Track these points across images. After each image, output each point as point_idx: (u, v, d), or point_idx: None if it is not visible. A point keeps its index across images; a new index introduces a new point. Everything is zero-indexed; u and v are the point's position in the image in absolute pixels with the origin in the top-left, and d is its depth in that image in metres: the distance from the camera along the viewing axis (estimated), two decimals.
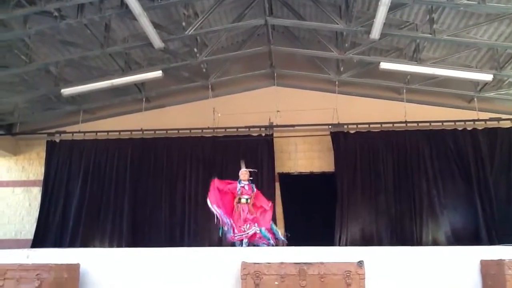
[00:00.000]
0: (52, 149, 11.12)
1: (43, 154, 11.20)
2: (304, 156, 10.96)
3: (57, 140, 11.22)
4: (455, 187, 9.97)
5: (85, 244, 10.04)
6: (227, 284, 5.03)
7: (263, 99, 10.87)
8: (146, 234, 10.31)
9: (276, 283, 4.68)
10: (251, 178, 7.51)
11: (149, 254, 5.53)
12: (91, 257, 5.39)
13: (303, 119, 10.41)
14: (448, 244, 9.23)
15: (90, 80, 10.08)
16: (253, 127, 10.73)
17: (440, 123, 10.40)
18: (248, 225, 7.03)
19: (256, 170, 7.90)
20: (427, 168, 10.06)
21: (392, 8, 7.84)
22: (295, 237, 8.21)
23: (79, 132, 11.05)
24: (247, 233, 6.99)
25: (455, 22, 9.02)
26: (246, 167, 7.58)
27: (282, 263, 4.79)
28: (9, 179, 11.56)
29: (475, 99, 10.46)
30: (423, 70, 9.54)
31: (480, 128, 10.32)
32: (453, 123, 10.39)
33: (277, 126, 10.57)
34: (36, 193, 11.18)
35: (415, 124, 10.41)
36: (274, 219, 8.47)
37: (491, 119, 10.37)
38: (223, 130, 10.71)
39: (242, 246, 6.94)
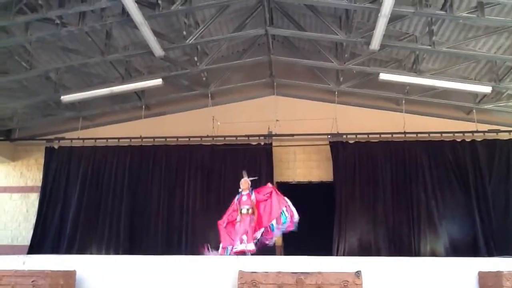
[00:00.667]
0: (51, 155, 11.11)
1: (41, 160, 11.19)
2: (303, 166, 10.96)
3: (56, 147, 11.22)
4: (453, 198, 9.95)
5: (82, 250, 9.99)
6: None
7: (263, 108, 10.91)
8: (144, 241, 10.27)
9: None
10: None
11: (146, 261, 5.51)
12: (87, 264, 5.37)
13: (302, 129, 10.43)
14: (446, 255, 9.21)
15: (90, 87, 10.13)
16: (252, 136, 10.74)
17: (439, 134, 10.42)
18: (247, 238, 6.95)
19: (257, 177, 7.83)
20: (425, 179, 10.06)
21: (392, 19, 7.90)
22: (292, 247, 8.20)
23: (78, 138, 11.04)
24: (249, 249, 6.92)
25: (455, 34, 9.08)
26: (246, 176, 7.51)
27: (279, 272, 4.78)
28: (6, 184, 11.53)
29: (474, 110, 10.50)
30: (422, 82, 9.59)
31: (479, 139, 10.34)
32: (452, 135, 10.41)
33: (276, 135, 10.59)
34: (33, 199, 11.15)
35: (414, 135, 10.43)
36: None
37: (489, 131, 10.40)
38: (222, 138, 10.73)
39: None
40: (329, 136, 10.58)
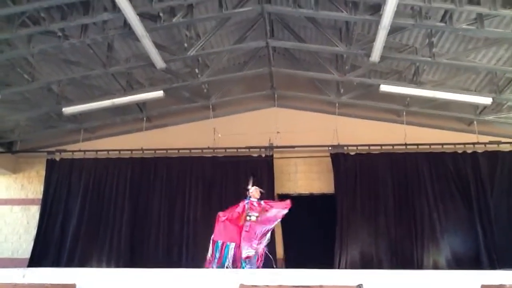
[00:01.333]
0: (52, 167, 11.10)
1: (42, 173, 11.17)
2: (304, 177, 10.92)
3: (57, 159, 11.21)
4: (455, 210, 9.90)
5: (82, 263, 9.94)
6: None
7: (264, 120, 10.92)
8: (144, 253, 10.21)
9: None
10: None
11: (147, 274, 5.47)
12: (88, 277, 5.33)
13: (303, 140, 10.43)
14: (449, 268, 9.14)
15: (92, 99, 10.17)
16: (253, 147, 10.73)
17: (440, 146, 10.39)
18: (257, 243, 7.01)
19: (263, 192, 7.93)
20: (427, 191, 10.01)
21: (392, 31, 7.95)
22: (294, 259, 8.15)
23: (80, 150, 11.05)
24: (256, 254, 6.97)
25: (454, 46, 9.12)
26: (249, 186, 7.58)
27: (280, 286, 4.73)
28: (7, 197, 11.50)
29: (475, 122, 10.50)
30: (422, 93, 9.60)
31: (480, 151, 10.32)
32: (453, 146, 10.38)
33: (277, 147, 10.58)
34: (34, 211, 11.11)
35: (415, 147, 10.40)
36: (273, 241, 8.45)
37: (490, 142, 10.37)
38: (223, 150, 10.71)
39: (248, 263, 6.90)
40: (330, 148, 10.55)
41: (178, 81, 10.27)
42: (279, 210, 7.46)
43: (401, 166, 10.37)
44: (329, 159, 10.55)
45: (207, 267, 7.13)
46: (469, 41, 8.91)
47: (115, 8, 7.48)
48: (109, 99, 9.90)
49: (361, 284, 4.69)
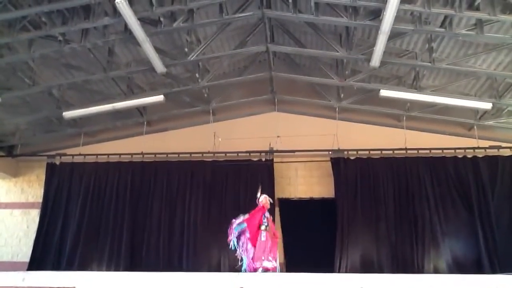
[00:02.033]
0: (52, 171, 11.11)
1: (43, 177, 11.17)
2: (304, 182, 10.92)
3: (57, 163, 11.22)
4: (456, 215, 9.89)
5: (82, 267, 9.91)
6: None
7: (264, 124, 10.92)
8: (144, 257, 10.19)
9: None
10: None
11: (147, 278, 5.46)
12: (87, 281, 5.32)
13: (303, 145, 10.42)
14: (450, 272, 9.12)
15: (92, 103, 10.17)
16: (254, 152, 10.73)
17: (441, 151, 10.39)
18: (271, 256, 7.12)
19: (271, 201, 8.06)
20: (428, 195, 10.00)
21: (392, 36, 7.98)
22: (294, 263, 8.14)
23: (80, 154, 11.05)
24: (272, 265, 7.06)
25: (454, 51, 9.15)
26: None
27: None
28: (7, 200, 11.51)
29: (475, 127, 10.50)
30: (423, 98, 9.61)
31: (480, 156, 10.32)
32: (453, 151, 10.38)
33: (278, 151, 10.58)
34: (34, 215, 11.11)
35: (415, 151, 10.40)
36: None
37: (491, 147, 10.37)
38: (224, 154, 10.71)
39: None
40: (330, 152, 10.56)
41: (178, 86, 10.29)
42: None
43: (401, 170, 10.37)
44: (329, 163, 10.55)
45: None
46: (469, 47, 8.94)
47: (116, 13, 7.51)
48: (109, 103, 9.93)
49: None
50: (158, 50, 8.60)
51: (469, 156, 10.34)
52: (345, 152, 10.58)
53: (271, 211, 10.13)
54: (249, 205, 9.27)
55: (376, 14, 7.74)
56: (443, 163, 10.29)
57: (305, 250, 9.78)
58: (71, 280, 5.20)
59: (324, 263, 9.30)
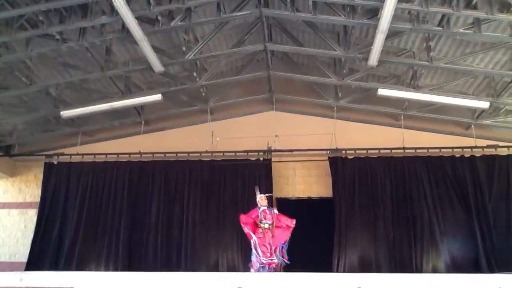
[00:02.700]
0: (50, 171, 11.08)
1: (40, 176, 11.14)
2: (302, 181, 10.91)
3: (55, 162, 11.20)
4: (453, 214, 9.90)
5: (80, 267, 9.90)
6: None
7: (262, 123, 10.92)
8: (143, 257, 10.18)
9: None
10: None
11: (145, 278, 5.46)
12: (85, 281, 5.31)
13: (301, 144, 10.41)
14: (448, 272, 9.13)
15: (90, 102, 10.15)
16: (252, 151, 10.72)
17: (438, 150, 10.40)
18: (273, 254, 7.14)
19: (272, 195, 8.08)
20: (426, 195, 10.01)
21: (390, 35, 7.97)
22: (292, 263, 8.14)
23: (77, 154, 11.03)
24: (273, 261, 7.08)
25: (452, 50, 9.15)
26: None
27: None
28: (5, 200, 11.46)
29: (473, 126, 10.51)
30: (420, 97, 9.61)
31: (478, 155, 10.33)
32: (451, 150, 10.39)
33: (276, 150, 10.57)
34: (32, 215, 11.07)
35: (413, 151, 10.40)
36: None
37: (488, 146, 10.39)
38: (221, 154, 10.70)
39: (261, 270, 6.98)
40: (328, 152, 10.57)
41: (176, 85, 10.27)
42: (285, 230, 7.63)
43: (399, 170, 10.38)
44: (327, 163, 10.55)
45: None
46: (467, 45, 8.94)
47: (113, 11, 7.48)
48: (107, 102, 9.91)
49: None
50: (155, 49, 8.58)
51: (467, 155, 10.36)
52: (343, 152, 10.58)
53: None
54: (247, 204, 9.30)
55: (374, 13, 7.73)
56: (441, 162, 10.31)
57: (303, 250, 9.78)
58: (69, 280, 5.19)
59: (322, 263, 9.31)
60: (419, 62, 9.14)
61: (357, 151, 10.57)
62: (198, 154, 10.83)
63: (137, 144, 10.86)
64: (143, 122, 11.17)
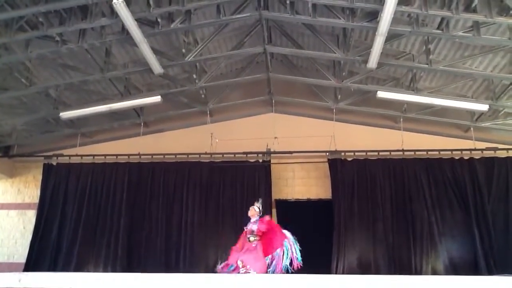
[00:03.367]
0: (49, 172, 11.08)
1: (39, 177, 11.14)
2: (301, 183, 10.93)
3: (54, 163, 11.20)
4: (453, 216, 9.91)
5: (79, 268, 9.90)
6: None
7: (261, 125, 10.92)
8: (142, 258, 10.19)
9: None
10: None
11: (144, 279, 5.44)
12: (84, 282, 5.30)
13: (300, 146, 10.42)
14: (447, 274, 9.14)
15: (89, 104, 10.17)
16: (251, 153, 10.73)
17: (437, 152, 10.42)
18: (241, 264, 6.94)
19: (260, 200, 7.81)
20: (425, 197, 10.03)
21: (389, 38, 8.00)
22: (291, 264, 8.13)
23: (77, 155, 11.04)
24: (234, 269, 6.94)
25: (451, 53, 9.18)
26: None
27: None
28: (4, 201, 11.47)
29: (472, 128, 10.54)
30: (420, 100, 9.64)
31: (477, 157, 10.35)
32: (450, 152, 10.41)
33: (275, 152, 10.58)
34: (31, 216, 11.08)
35: (412, 153, 10.42)
36: None
37: (487, 149, 10.41)
38: (221, 155, 10.71)
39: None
40: (327, 154, 10.58)
41: (175, 87, 10.28)
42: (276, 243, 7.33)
43: (398, 172, 10.39)
44: (327, 164, 10.56)
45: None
46: (466, 48, 8.97)
47: (113, 13, 7.50)
48: (106, 104, 9.92)
49: None
50: (155, 51, 8.59)
51: (466, 157, 10.38)
52: (342, 153, 10.59)
53: (268, 212, 10.15)
54: (246, 206, 9.28)
55: (373, 15, 7.75)
56: (440, 164, 10.32)
57: (301, 252, 9.76)
58: (68, 281, 5.17)
59: (321, 264, 9.29)
60: (418, 65, 9.15)
61: (356, 153, 10.58)
62: (197, 156, 10.84)
63: (136, 145, 10.86)
64: (142, 124, 11.18)
